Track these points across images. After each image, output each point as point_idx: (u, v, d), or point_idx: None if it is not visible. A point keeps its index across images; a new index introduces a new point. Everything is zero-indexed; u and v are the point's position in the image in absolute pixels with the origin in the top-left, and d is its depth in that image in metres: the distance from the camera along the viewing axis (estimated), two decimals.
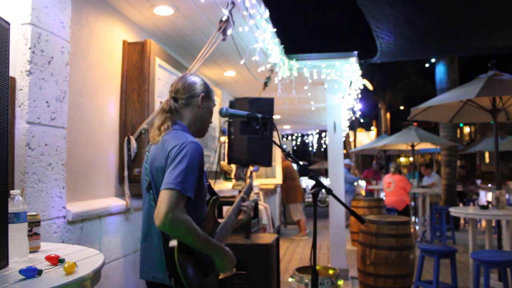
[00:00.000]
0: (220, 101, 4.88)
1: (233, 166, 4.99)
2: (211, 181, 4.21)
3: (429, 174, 8.26)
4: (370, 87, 15.83)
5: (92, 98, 2.62)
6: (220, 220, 1.79)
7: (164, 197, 1.43)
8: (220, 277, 1.71)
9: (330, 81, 5.12)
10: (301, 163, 1.82)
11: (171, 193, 1.43)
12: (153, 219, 1.58)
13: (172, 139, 1.59)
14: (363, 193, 10.97)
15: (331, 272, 3.42)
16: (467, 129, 24.78)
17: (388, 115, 18.88)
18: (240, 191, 1.99)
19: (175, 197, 1.43)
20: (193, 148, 1.53)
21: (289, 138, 12.60)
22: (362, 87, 5.99)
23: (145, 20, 3.13)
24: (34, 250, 1.43)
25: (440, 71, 9.04)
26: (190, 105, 1.73)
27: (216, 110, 1.90)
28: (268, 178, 7.56)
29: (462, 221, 9.08)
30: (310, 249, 2.79)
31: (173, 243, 1.48)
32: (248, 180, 2.20)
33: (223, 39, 2.86)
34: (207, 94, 1.77)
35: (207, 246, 1.55)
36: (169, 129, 1.66)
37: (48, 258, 1.22)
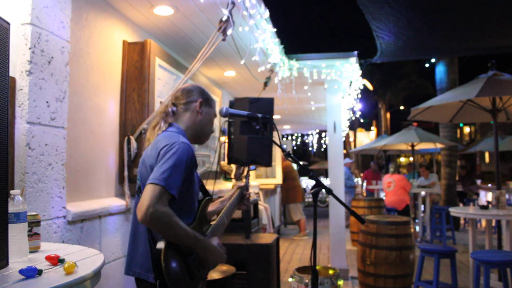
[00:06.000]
0: (220, 101, 4.88)
1: (233, 166, 5.00)
2: (211, 181, 4.21)
3: (426, 176, 8.14)
4: (370, 87, 15.83)
5: (92, 98, 2.61)
6: (212, 222, 1.79)
7: (148, 191, 1.45)
8: (215, 276, 1.71)
9: (330, 81, 5.12)
10: (301, 163, 1.82)
11: (155, 188, 1.45)
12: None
13: (164, 138, 1.62)
14: (364, 193, 10.96)
15: (331, 272, 3.42)
16: (467, 129, 24.78)
17: (388, 115, 18.87)
18: (241, 188, 2.00)
19: (158, 192, 1.44)
20: (183, 148, 1.55)
21: (289, 138, 12.59)
22: (362, 87, 5.98)
23: (145, 20, 3.13)
24: (34, 250, 1.43)
25: (440, 71, 9.04)
26: (188, 110, 1.76)
27: (216, 111, 1.90)
28: (268, 178, 7.55)
29: (462, 221, 9.08)
30: (310, 249, 2.79)
31: (160, 245, 1.47)
32: (244, 180, 2.20)
33: (223, 39, 2.85)
34: (206, 101, 1.80)
35: (191, 240, 1.55)
36: (161, 129, 1.69)
37: (48, 258, 1.22)
